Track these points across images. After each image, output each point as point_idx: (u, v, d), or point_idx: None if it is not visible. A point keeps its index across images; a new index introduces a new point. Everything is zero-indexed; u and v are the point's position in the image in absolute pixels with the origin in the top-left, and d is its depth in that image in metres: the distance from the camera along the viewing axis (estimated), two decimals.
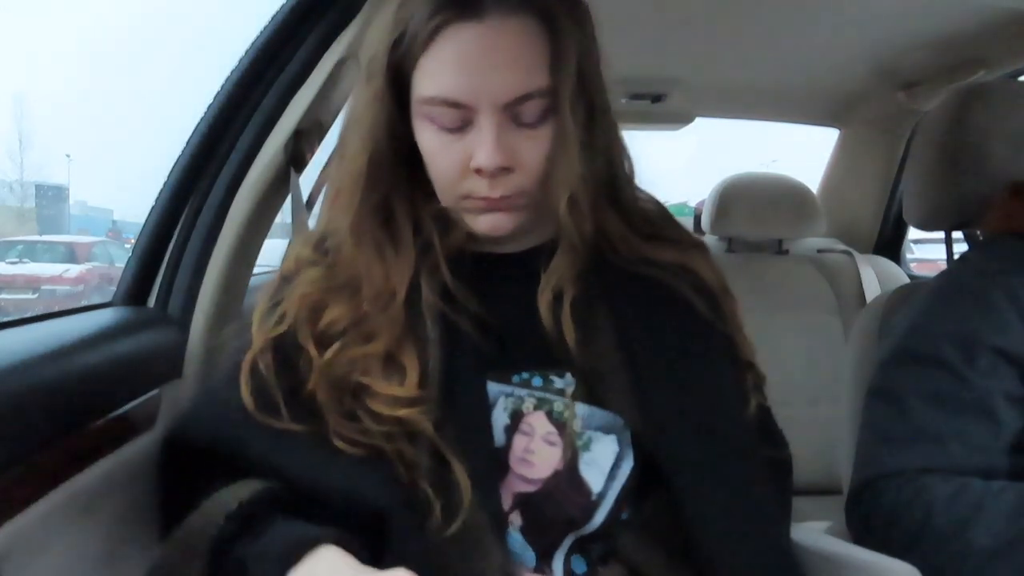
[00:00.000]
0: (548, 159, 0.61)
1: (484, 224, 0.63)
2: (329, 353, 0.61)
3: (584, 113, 0.62)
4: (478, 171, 0.59)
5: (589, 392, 0.64)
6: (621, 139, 0.69)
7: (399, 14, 0.61)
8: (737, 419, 0.67)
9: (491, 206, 0.62)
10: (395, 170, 0.64)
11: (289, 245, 0.76)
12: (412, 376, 0.60)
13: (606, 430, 0.63)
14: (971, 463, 0.77)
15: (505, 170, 0.60)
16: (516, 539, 0.61)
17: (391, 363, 0.61)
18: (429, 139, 0.62)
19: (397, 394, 0.59)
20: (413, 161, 0.64)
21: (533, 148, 0.61)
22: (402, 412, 0.58)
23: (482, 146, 0.58)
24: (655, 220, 0.72)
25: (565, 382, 0.64)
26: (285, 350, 0.62)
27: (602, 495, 0.62)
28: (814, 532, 0.75)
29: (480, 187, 0.60)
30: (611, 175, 0.68)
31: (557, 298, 0.64)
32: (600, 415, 0.63)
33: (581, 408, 0.63)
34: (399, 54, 0.61)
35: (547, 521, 0.62)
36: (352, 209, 0.64)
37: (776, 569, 0.63)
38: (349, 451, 0.59)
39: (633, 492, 0.63)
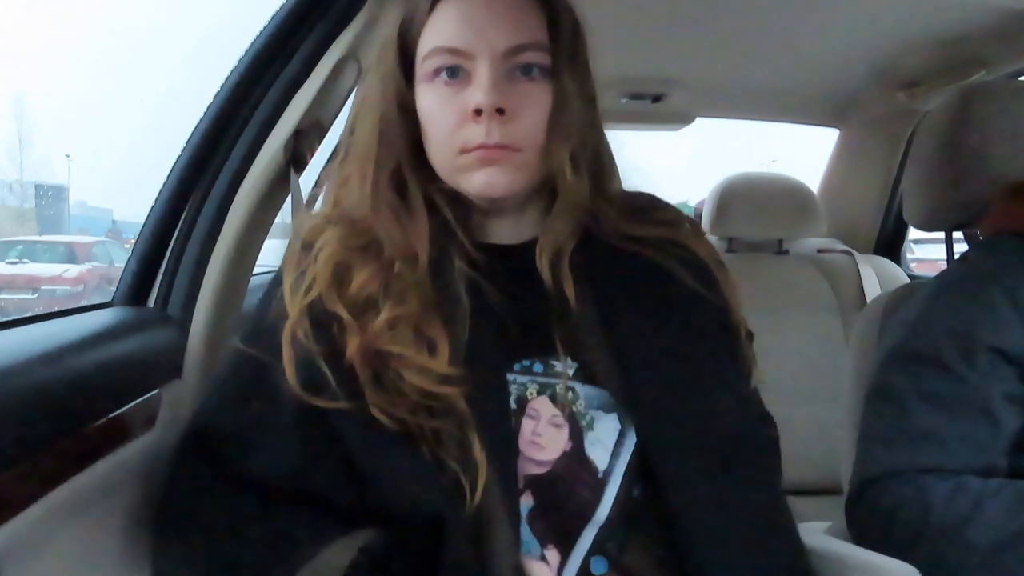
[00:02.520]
0: (546, 119, 0.63)
1: (480, 180, 0.63)
2: (361, 315, 0.61)
3: (579, 85, 0.64)
4: (476, 113, 0.61)
5: (587, 373, 0.65)
6: (605, 135, 0.71)
7: (407, 4, 0.66)
8: (730, 390, 0.67)
9: (487, 156, 0.62)
10: (405, 141, 0.66)
11: (290, 243, 0.76)
12: (443, 350, 0.60)
13: (607, 409, 0.64)
14: (970, 463, 0.77)
15: (501, 114, 0.61)
16: (524, 528, 0.61)
17: (420, 336, 0.61)
18: (429, 97, 0.64)
19: (429, 367, 0.59)
20: (419, 144, 0.66)
21: (530, 101, 0.63)
22: (434, 388, 0.59)
23: (479, 87, 0.61)
24: (644, 206, 0.73)
25: (565, 366, 0.65)
26: (318, 317, 0.62)
27: (608, 472, 0.63)
28: (814, 532, 0.75)
29: (477, 134, 0.62)
30: (599, 163, 0.69)
31: (553, 260, 0.66)
32: (599, 395, 0.64)
33: (583, 389, 0.64)
34: (406, 30, 0.66)
35: (557, 503, 0.62)
36: (368, 178, 0.66)
37: (760, 554, 0.63)
38: (389, 425, 0.59)
39: (639, 469, 0.64)
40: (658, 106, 1.89)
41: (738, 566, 0.61)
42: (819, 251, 1.90)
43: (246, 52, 0.85)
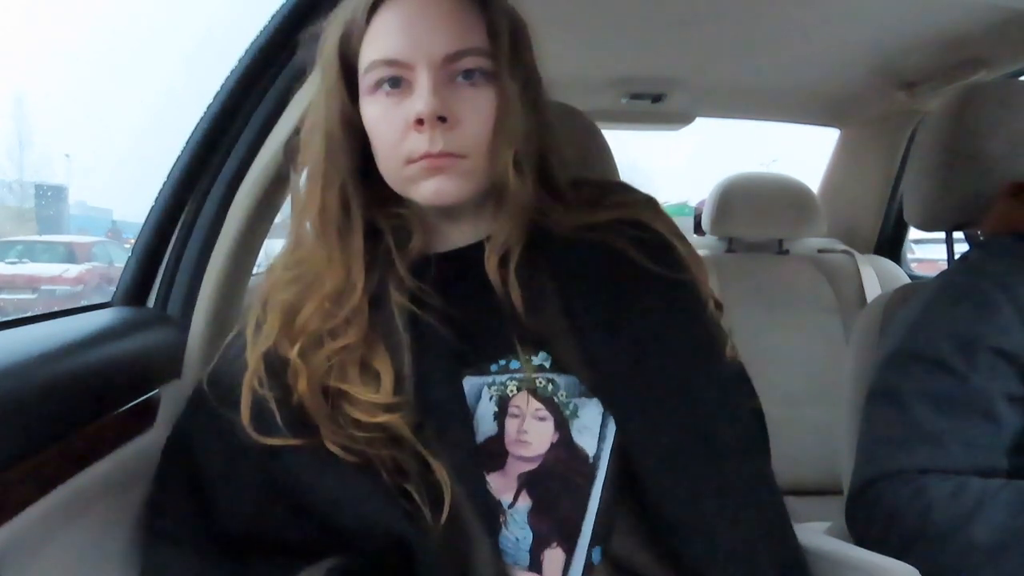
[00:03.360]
0: (490, 122, 0.63)
1: (428, 190, 0.63)
2: (307, 353, 0.63)
3: (522, 87, 0.64)
4: (418, 123, 0.61)
5: (560, 364, 0.65)
6: (554, 125, 0.71)
7: (343, 12, 0.66)
8: (700, 364, 0.67)
9: (433, 166, 0.62)
10: (351, 158, 0.66)
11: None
12: (387, 381, 0.61)
13: (588, 395, 0.64)
14: (971, 463, 0.77)
15: (443, 121, 0.61)
16: (511, 538, 0.61)
17: (366, 369, 0.62)
18: (373, 109, 0.64)
19: (374, 400, 0.60)
20: (367, 159, 0.66)
21: (473, 107, 0.62)
22: (381, 418, 0.60)
23: (419, 97, 0.61)
24: (594, 195, 0.72)
25: (542, 359, 0.65)
26: (272, 363, 0.64)
27: (597, 456, 0.63)
28: (814, 532, 0.75)
29: (420, 143, 0.61)
30: (543, 155, 0.69)
31: (503, 262, 0.66)
32: (577, 382, 0.65)
33: (562, 379, 0.65)
34: (346, 43, 0.65)
35: (554, 495, 0.62)
36: (316, 199, 0.66)
37: (741, 528, 0.62)
38: (345, 458, 0.60)
39: (621, 450, 0.64)
40: (658, 106, 1.89)
41: (717, 542, 0.60)
42: (819, 251, 1.90)
43: (246, 52, 0.85)
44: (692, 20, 1.38)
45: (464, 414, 0.63)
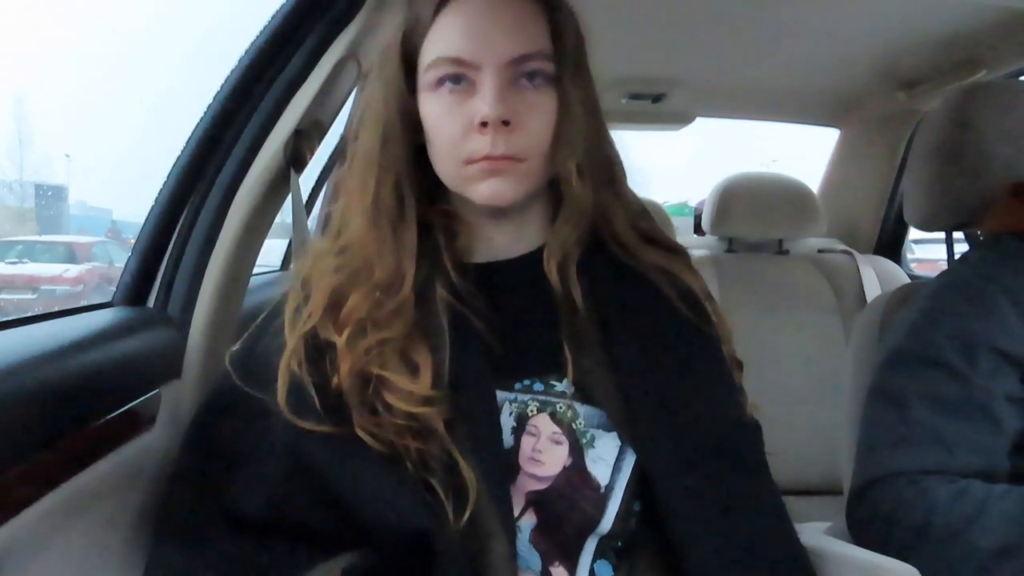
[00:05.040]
0: (551, 126, 0.63)
1: (485, 191, 0.63)
2: (351, 339, 0.62)
3: (582, 92, 0.64)
4: (482, 125, 0.61)
5: (585, 394, 0.65)
6: (612, 139, 0.71)
7: (411, 7, 0.66)
8: (720, 419, 0.67)
9: (492, 168, 0.62)
10: (406, 150, 0.66)
11: (290, 245, 0.77)
12: (425, 374, 0.61)
13: (607, 428, 0.65)
14: (972, 464, 0.77)
15: (506, 125, 0.61)
16: (524, 545, 0.62)
17: (405, 359, 0.62)
18: (434, 106, 0.64)
19: (412, 390, 0.60)
20: (420, 154, 0.66)
21: (535, 112, 0.62)
22: (417, 409, 0.60)
23: (484, 99, 0.61)
24: (647, 215, 0.74)
25: (564, 386, 0.65)
26: (315, 346, 0.64)
27: (610, 487, 0.63)
28: (814, 532, 0.75)
29: (482, 145, 0.61)
30: (611, 166, 0.69)
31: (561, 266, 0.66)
32: (598, 414, 0.65)
33: (583, 408, 0.65)
34: (409, 36, 0.65)
35: (560, 518, 0.63)
36: (369, 188, 0.66)
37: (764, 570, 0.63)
38: (373, 446, 0.60)
39: (638, 485, 0.64)
40: (658, 106, 1.89)
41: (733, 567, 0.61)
42: (819, 251, 1.90)
43: (246, 52, 0.85)
44: (692, 20, 1.38)
45: (494, 418, 0.63)
